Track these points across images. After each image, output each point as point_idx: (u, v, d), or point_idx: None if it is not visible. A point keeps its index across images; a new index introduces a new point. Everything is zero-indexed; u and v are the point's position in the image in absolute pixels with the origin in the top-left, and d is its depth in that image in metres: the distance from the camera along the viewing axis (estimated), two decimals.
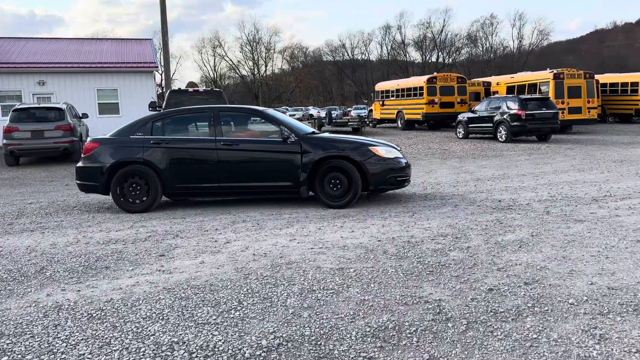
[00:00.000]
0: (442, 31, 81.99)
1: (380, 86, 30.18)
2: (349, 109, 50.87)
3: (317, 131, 8.07)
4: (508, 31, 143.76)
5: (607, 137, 19.01)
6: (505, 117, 17.38)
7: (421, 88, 24.33)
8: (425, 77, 25.30)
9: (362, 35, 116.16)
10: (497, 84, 25.37)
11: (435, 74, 27.96)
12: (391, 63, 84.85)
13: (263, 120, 7.60)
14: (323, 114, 32.04)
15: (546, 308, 3.50)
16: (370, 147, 7.16)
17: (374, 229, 5.81)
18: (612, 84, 27.00)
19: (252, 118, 7.85)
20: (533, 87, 21.82)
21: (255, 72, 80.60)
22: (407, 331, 3.21)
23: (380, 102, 28.58)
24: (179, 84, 68.80)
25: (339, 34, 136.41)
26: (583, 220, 5.93)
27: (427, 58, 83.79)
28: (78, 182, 7.62)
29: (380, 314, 3.47)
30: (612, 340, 3.02)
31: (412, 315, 3.44)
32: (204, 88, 19.95)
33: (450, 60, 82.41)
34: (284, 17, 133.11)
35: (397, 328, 3.26)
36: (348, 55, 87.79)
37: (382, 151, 7.21)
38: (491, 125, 18.07)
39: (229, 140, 7.27)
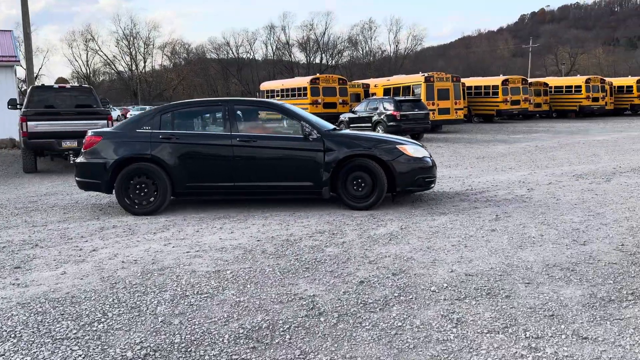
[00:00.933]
0: (324, 33, 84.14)
1: (266, 86, 30.23)
2: None
3: (338, 128, 7.46)
4: (386, 36, 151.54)
5: (472, 135, 20.77)
6: (382, 117, 18.28)
7: (305, 89, 24.76)
8: (309, 78, 25.80)
9: (247, 34, 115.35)
10: (375, 86, 26.61)
11: (318, 75, 28.63)
12: (277, 63, 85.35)
13: (281, 115, 7.18)
14: None
15: (411, 296, 3.72)
16: (398, 146, 6.73)
17: (254, 229, 5.78)
18: (476, 87, 29.57)
19: (269, 112, 7.36)
20: (407, 89, 23.20)
21: (133, 68, 76.56)
22: (281, 329, 3.23)
23: None
24: (46, 79, 63.15)
25: (222, 32, 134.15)
26: (446, 212, 6.40)
27: (312, 59, 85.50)
28: (78, 179, 7.00)
29: (254, 315, 3.45)
30: (467, 323, 3.29)
31: (287, 313, 3.46)
32: (71, 84, 18.49)
33: (333, 62, 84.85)
34: (163, 11, 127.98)
35: (270, 327, 3.26)
36: (233, 53, 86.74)
37: (411, 150, 6.77)
38: (370, 125, 18.88)
39: (245, 136, 6.75)
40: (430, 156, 7.00)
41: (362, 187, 6.61)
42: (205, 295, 3.82)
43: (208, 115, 7.44)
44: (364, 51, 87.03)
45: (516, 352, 2.91)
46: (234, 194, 6.90)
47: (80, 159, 6.96)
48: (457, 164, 11.64)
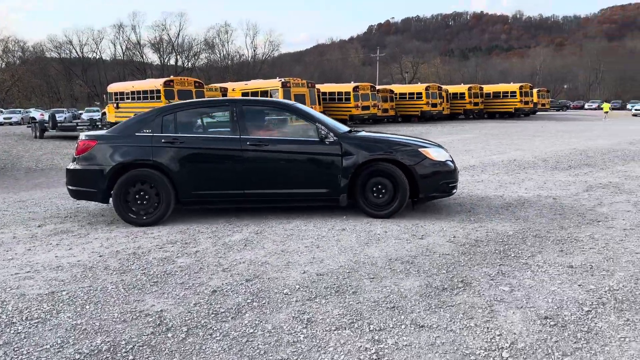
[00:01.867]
0: (178, 34, 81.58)
1: (114, 87, 28.30)
2: (80, 112, 46.51)
3: (355, 129, 7.00)
4: (243, 40, 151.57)
5: None
6: None
7: (158, 91, 23.66)
8: (162, 80, 24.68)
9: (92, 33, 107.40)
10: (233, 90, 26.43)
11: (172, 77, 27.55)
12: (127, 63, 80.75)
13: (293, 117, 6.67)
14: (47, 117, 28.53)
15: (264, 301, 3.71)
16: (420, 149, 6.30)
17: (96, 244, 5.34)
18: (330, 93, 30.85)
19: (279, 113, 6.94)
20: (265, 94, 23.41)
21: None
22: (123, 350, 3.01)
23: (115, 105, 26.80)
24: None
25: (64, 29, 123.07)
26: (300, 215, 6.54)
27: (166, 60, 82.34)
28: (70, 187, 6.41)
29: (93, 337, 3.17)
30: (317, 322, 3.37)
31: (131, 332, 3.24)
32: None
33: (190, 64, 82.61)
34: None
35: (112, 349, 3.02)
36: (77, 52, 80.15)
37: (434, 153, 6.35)
38: None
39: (256, 139, 6.24)
40: (452, 159, 6.67)
41: (382, 193, 6.23)
42: (36, 320, 3.42)
43: (214, 116, 6.95)
44: (222, 54, 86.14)
45: (361, 345, 3.05)
46: (244, 202, 6.40)
47: (72, 166, 6.37)
48: None
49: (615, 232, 5.53)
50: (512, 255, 4.76)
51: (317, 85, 29.44)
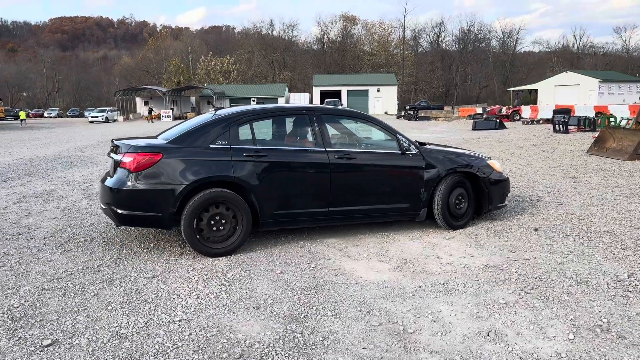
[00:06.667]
0: None
1: None
2: None
3: (422, 142, 6.52)
4: None
5: None
6: None
7: None
8: None
9: None
10: None
11: None
12: None
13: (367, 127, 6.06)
14: None
15: None
16: (488, 162, 6.32)
17: None
18: None
19: (355, 124, 6.16)
20: None
21: None
22: None
23: None
24: None
25: None
26: None
27: None
28: (122, 211, 4.92)
29: None
30: None
31: None
32: None
33: None
34: None
35: None
36: None
37: (497, 165, 6.39)
38: None
39: (343, 152, 5.57)
40: None
41: (462, 204, 6.10)
42: None
43: (290, 126, 5.91)
44: None
45: None
46: (327, 220, 5.65)
47: (127, 185, 4.86)
48: None
49: (35, 243, 5.42)
50: None
51: None
